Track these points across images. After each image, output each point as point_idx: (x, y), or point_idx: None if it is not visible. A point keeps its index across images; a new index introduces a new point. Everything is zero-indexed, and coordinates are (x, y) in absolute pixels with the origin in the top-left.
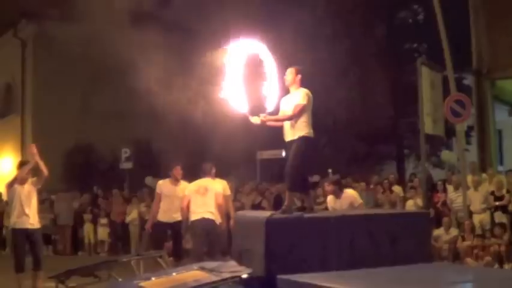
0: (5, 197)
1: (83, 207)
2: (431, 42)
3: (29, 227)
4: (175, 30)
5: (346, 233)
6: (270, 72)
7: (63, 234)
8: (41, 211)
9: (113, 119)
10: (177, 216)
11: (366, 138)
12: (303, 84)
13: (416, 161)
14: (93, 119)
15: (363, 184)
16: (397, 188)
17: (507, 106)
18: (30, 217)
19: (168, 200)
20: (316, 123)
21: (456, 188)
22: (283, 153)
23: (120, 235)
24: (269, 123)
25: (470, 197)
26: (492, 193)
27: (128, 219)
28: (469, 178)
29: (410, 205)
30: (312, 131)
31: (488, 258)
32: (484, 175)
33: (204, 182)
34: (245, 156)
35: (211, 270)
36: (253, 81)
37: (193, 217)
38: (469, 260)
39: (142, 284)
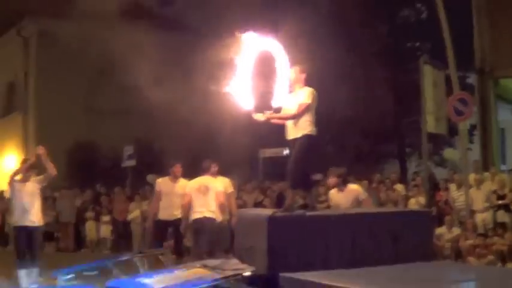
0: (7, 194)
1: (86, 205)
2: (434, 41)
3: (30, 224)
4: (179, 28)
5: (348, 231)
6: (280, 69)
7: (65, 231)
8: (43, 208)
9: (116, 116)
10: (178, 214)
11: (368, 136)
12: (307, 82)
13: (418, 159)
14: (95, 117)
15: (365, 182)
16: (399, 187)
17: (510, 105)
18: (32, 215)
19: (167, 197)
20: (318, 121)
21: (458, 187)
22: (286, 152)
23: (123, 233)
24: (273, 120)
25: (473, 196)
26: (494, 192)
27: (130, 217)
28: (472, 177)
29: (413, 203)
30: (315, 129)
31: (490, 257)
32: (486, 174)
33: (205, 180)
34: (248, 154)
35: (213, 268)
36: (261, 77)
37: (195, 216)
38: (471, 258)
39: (144, 281)
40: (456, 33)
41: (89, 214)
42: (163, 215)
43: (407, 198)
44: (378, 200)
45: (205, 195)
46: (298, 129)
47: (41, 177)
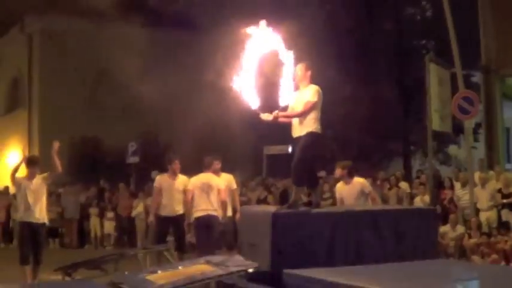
0: (12, 191)
1: (90, 201)
2: (439, 39)
3: (34, 221)
4: (183, 24)
5: (353, 229)
6: (285, 67)
7: (69, 227)
8: (47, 204)
9: (120, 113)
10: (179, 209)
11: (373, 134)
12: (312, 79)
13: (422, 157)
14: (99, 113)
15: (369, 180)
16: (403, 184)
17: None
18: (36, 212)
19: (168, 194)
20: (323, 118)
21: (463, 185)
22: (290, 149)
23: (126, 229)
24: (280, 119)
25: (477, 195)
26: (499, 191)
27: (134, 213)
28: (476, 175)
29: (418, 202)
30: (320, 127)
31: (494, 256)
32: (491, 172)
33: (207, 178)
34: (252, 151)
35: (217, 264)
36: (266, 76)
37: (198, 214)
38: (475, 257)
39: (148, 277)
40: (462, 32)
41: (93, 210)
42: (165, 211)
43: (411, 196)
44: (382, 198)
45: (208, 193)
46: (303, 127)
47: (46, 174)
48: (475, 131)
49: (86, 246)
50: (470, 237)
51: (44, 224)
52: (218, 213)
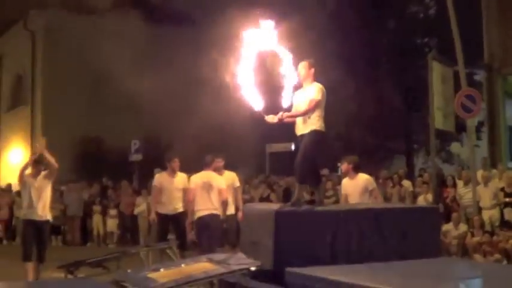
0: (15, 188)
1: (93, 198)
2: (442, 37)
3: (37, 218)
4: (185, 21)
5: (355, 227)
6: (286, 68)
7: (72, 225)
8: (51, 202)
9: (123, 110)
10: (179, 207)
11: (375, 132)
12: (315, 77)
13: (425, 155)
14: (102, 111)
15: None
16: (406, 183)
17: None
18: (39, 209)
19: (168, 192)
20: (326, 116)
21: (466, 184)
22: (293, 147)
23: (129, 226)
24: (285, 120)
25: (480, 193)
26: (502, 189)
27: (137, 210)
28: (479, 174)
29: (421, 201)
30: (323, 125)
31: (497, 256)
32: (494, 171)
33: (207, 176)
34: (254, 149)
35: (219, 262)
36: (267, 78)
37: (199, 214)
38: (477, 256)
39: (151, 275)
40: (465, 30)
41: (96, 208)
42: (164, 209)
43: (414, 194)
44: (384, 196)
45: (209, 192)
46: (307, 125)
47: (47, 172)
48: (478, 129)
49: (88, 244)
50: (472, 235)
51: (47, 221)
52: (219, 212)
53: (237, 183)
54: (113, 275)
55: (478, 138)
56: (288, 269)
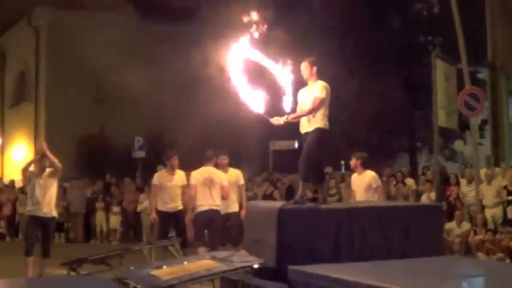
0: (18, 184)
1: (96, 195)
2: (446, 35)
3: (42, 215)
4: (189, 18)
5: (358, 225)
6: (273, 75)
7: (75, 222)
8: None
9: (127, 107)
10: (179, 205)
11: (379, 130)
12: (318, 75)
13: (428, 153)
14: (106, 107)
15: None
16: (409, 181)
17: None
18: (44, 206)
19: (168, 190)
20: (330, 114)
21: (469, 182)
22: (296, 144)
23: (132, 224)
24: (291, 121)
25: (483, 191)
26: (505, 187)
27: (140, 208)
28: (482, 172)
29: (425, 199)
30: (327, 123)
31: (500, 255)
32: (497, 169)
33: (208, 172)
34: (258, 146)
35: (222, 260)
36: (260, 85)
37: (200, 209)
38: (480, 254)
39: (153, 272)
40: (468, 28)
41: (99, 205)
42: (164, 207)
43: (417, 192)
44: (387, 194)
45: (210, 188)
46: (311, 123)
47: (52, 169)
48: (481, 128)
49: (91, 241)
50: (475, 234)
51: (53, 218)
52: (220, 208)
53: (242, 181)
54: (115, 272)
55: (482, 136)
56: (291, 267)
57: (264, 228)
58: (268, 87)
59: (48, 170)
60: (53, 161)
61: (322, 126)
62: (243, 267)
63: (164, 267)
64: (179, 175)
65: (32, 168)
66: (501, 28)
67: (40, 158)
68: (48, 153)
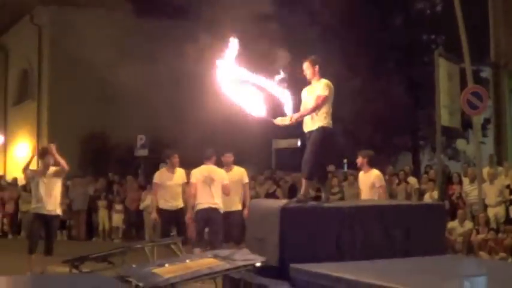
0: (20, 182)
1: (98, 193)
2: (449, 34)
3: (46, 213)
4: (192, 16)
5: (361, 224)
6: (258, 83)
7: (77, 219)
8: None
9: (129, 105)
10: (179, 203)
11: (382, 129)
12: (321, 73)
13: (431, 152)
14: (109, 106)
15: None
16: (412, 180)
17: None
18: (48, 204)
19: (169, 188)
20: (333, 113)
21: (472, 181)
22: (299, 143)
23: (134, 222)
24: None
25: (486, 190)
26: (508, 186)
27: (142, 205)
28: (485, 171)
29: (427, 199)
30: (331, 122)
31: (502, 254)
32: (500, 168)
33: (208, 170)
34: (260, 145)
35: (224, 258)
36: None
37: (199, 207)
38: (482, 253)
39: (155, 270)
40: (471, 27)
41: (101, 202)
42: (165, 205)
43: (420, 191)
44: (390, 193)
45: (210, 186)
46: (314, 122)
47: (58, 168)
48: (484, 127)
49: (93, 239)
50: (478, 233)
51: (57, 216)
52: (219, 207)
53: (246, 179)
54: (118, 270)
55: (484, 135)
56: (293, 265)
57: (267, 226)
58: (265, 90)
59: (53, 168)
60: (60, 162)
61: (325, 124)
62: (245, 266)
63: (166, 265)
64: (179, 173)
65: (33, 166)
66: (504, 27)
67: (41, 156)
68: (57, 154)
